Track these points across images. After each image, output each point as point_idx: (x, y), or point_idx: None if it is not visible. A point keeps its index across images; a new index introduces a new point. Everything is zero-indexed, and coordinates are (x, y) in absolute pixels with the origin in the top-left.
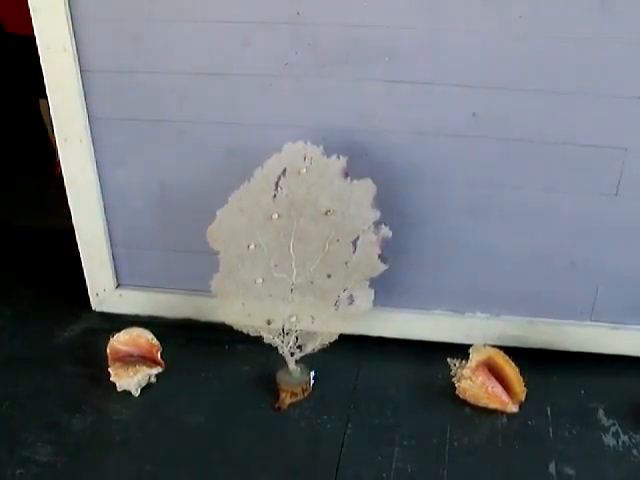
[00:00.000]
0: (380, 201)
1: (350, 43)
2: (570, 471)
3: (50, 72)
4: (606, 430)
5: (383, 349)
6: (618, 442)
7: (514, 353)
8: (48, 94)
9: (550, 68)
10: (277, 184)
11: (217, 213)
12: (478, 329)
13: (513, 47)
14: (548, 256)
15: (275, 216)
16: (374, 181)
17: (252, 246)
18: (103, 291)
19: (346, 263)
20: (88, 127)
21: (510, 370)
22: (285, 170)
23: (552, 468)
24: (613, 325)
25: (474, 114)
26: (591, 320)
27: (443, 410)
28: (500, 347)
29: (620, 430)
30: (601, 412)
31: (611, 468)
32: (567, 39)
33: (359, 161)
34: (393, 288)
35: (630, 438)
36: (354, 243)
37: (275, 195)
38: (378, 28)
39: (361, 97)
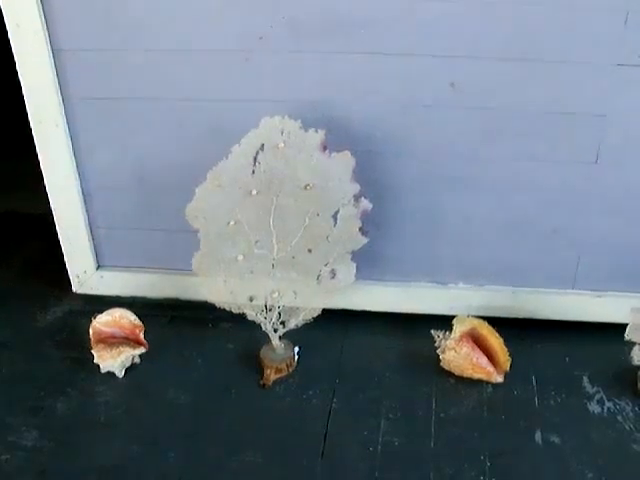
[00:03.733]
0: (360, 174)
1: (326, 15)
2: (556, 439)
3: (20, 52)
4: (591, 397)
5: (367, 323)
6: (603, 409)
7: (498, 323)
8: (20, 75)
9: (528, 36)
10: (255, 159)
11: (196, 191)
12: (461, 300)
13: (490, 16)
14: (529, 225)
15: (254, 192)
16: (353, 154)
17: (232, 223)
18: (84, 273)
19: (327, 237)
20: (63, 108)
21: (494, 340)
22: (263, 145)
23: (538, 436)
24: (596, 293)
25: (452, 84)
26: (574, 288)
27: (428, 382)
28: (484, 318)
29: (604, 397)
30: (585, 379)
31: (596, 435)
32: (545, 6)
33: (337, 134)
34: (375, 261)
35: (615, 404)
36: (334, 217)
37: (253, 171)
38: (354, 0)
39: (338, 70)
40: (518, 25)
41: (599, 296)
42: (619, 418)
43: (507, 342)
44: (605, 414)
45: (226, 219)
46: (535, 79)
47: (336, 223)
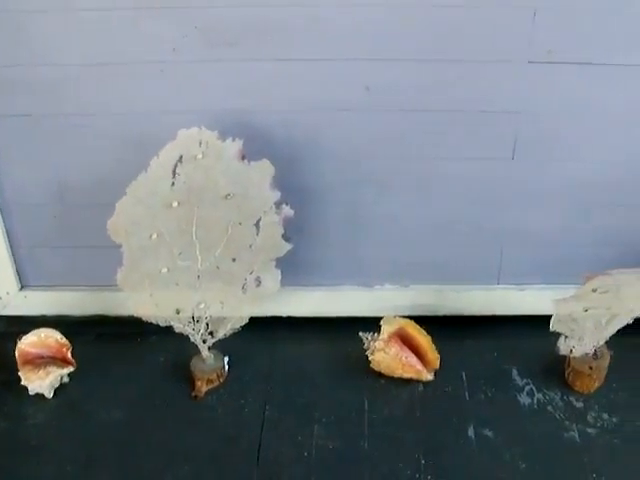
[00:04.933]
0: (280, 180)
1: (238, 24)
2: (488, 433)
3: None
4: (521, 390)
5: (296, 329)
6: (533, 400)
7: (426, 322)
8: None
9: (440, 37)
10: (174, 171)
11: (116, 205)
12: (388, 301)
13: (402, 18)
14: (452, 223)
15: (175, 204)
16: (273, 161)
17: (154, 236)
18: (6, 294)
19: (250, 246)
20: None
21: (422, 339)
22: (181, 157)
23: (471, 431)
24: (520, 286)
25: (367, 87)
26: (498, 283)
27: (359, 384)
28: (411, 317)
29: (534, 388)
30: (515, 372)
31: (528, 426)
32: (455, 7)
33: (256, 142)
34: (301, 267)
35: (544, 395)
36: (257, 225)
37: (173, 183)
38: (265, 7)
39: (253, 78)
40: (430, 27)
41: (523, 289)
42: (549, 408)
43: (435, 340)
44: (535, 405)
45: (148, 232)
46: (450, 79)
47: (259, 231)
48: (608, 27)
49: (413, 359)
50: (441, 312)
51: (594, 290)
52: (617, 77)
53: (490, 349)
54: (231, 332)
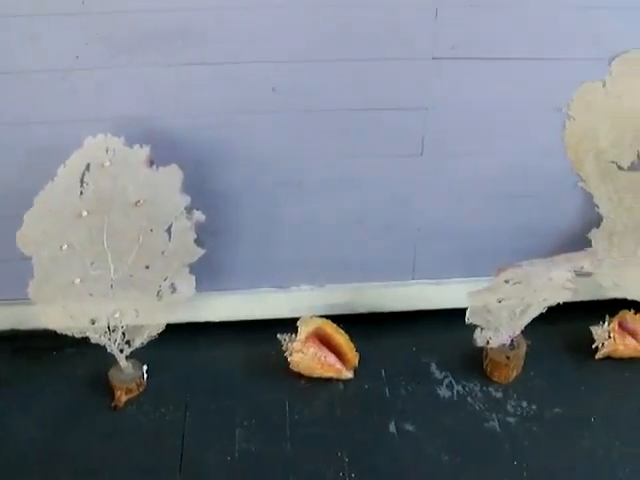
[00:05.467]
0: (190, 185)
1: (141, 29)
2: (410, 427)
3: None
4: (440, 383)
5: (214, 333)
6: (453, 393)
7: (343, 320)
8: None
9: (346, 37)
10: (82, 180)
11: (24, 217)
12: (304, 301)
13: (305, 19)
14: (365, 221)
15: (84, 213)
16: (182, 166)
17: (65, 247)
18: None
19: (163, 252)
20: None
21: (340, 338)
22: (89, 165)
23: (392, 427)
24: (435, 281)
25: (274, 89)
26: (413, 279)
27: (280, 386)
28: (328, 316)
29: (453, 381)
30: (433, 366)
31: (448, 418)
32: (359, 6)
33: (164, 148)
34: (216, 271)
35: (463, 387)
36: (168, 231)
37: (82, 192)
38: (168, 12)
39: (158, 83)
40: (335, 26)
41: (438, 284)
42: (469, 400)
43: (353, 338)
44: (455, 397)
45: (58, 243)
46: (356, 78)
47: (170, 237)
48: (509, 22)
49: (332, 358)
50: (358, 310)
51: (506, 282)
52: (519, 70)
53: (408, 344)
54: (148, 340)
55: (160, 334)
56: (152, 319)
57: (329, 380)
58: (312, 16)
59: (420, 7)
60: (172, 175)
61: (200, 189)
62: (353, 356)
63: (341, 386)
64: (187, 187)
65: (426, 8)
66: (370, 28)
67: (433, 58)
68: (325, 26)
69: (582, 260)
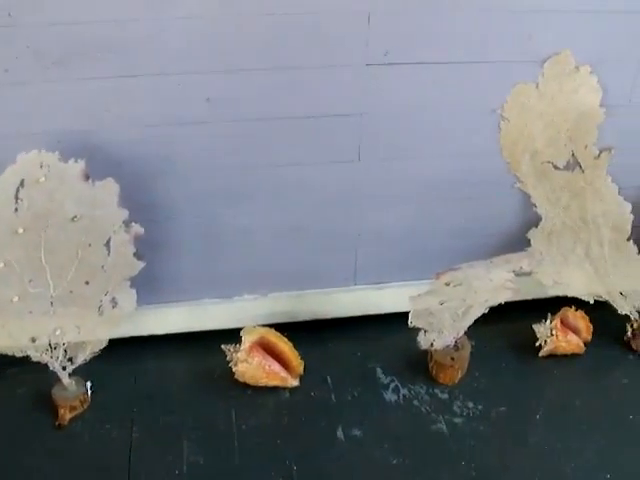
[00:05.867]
0: (128, 198)
1: (72, 42)
2: (357, 432)
3: None
4: (386, 387)
5: (157, 347)
6: (399, 396)
7: (287, 328)
8: None
9: (279, 45)
10: (17, 197)
11: None
12: (248, 311)
13: (238, 28)
14: (305, 228)
15: (20, 230)
16: (119, 179)
17: (1, 265)
18: None
19: (102, 267)
20: None
21: (284, 346)
22: (23, 181)
23: (340, 433)
24: (377, 285)
25: (208, 99)
26: (355, 284)
27: (226, 396)
28: (272, 325)
29: (399, 385)
30: (379, 371)
31: (395, 422)
32: (291, 15)
33: (99, 161)
34: (157, 284)
35: (409, 390)
36: (107, 245)
37: (16, 209)
38: (99, 24)
39: (91, 96)
40: (269, 35)
41: (380, 288)
42: (415, 403)
43: (298, 345)
44: (402, 401)
45: None
46: (290, 86)
47: (110, 251)
48: (442, 27)
49: (277, 367)
50: (301, 317)
51: (447, 284)
52: (453, 74)
53: (353, 350)
54: (91, 356)
55: (103, 349)
56: (94, 335)
57: (275, 389)
58: (245, 25)
59: (353, 14)
60: (108, 189)
61: (138, 202)
62: (298, 364)
63: (287, 394)
64: (125, 200)
65: (358, 15)
66: (304, 36)
67: (366, 65)
68: (258, 35)
69: (521, 260)
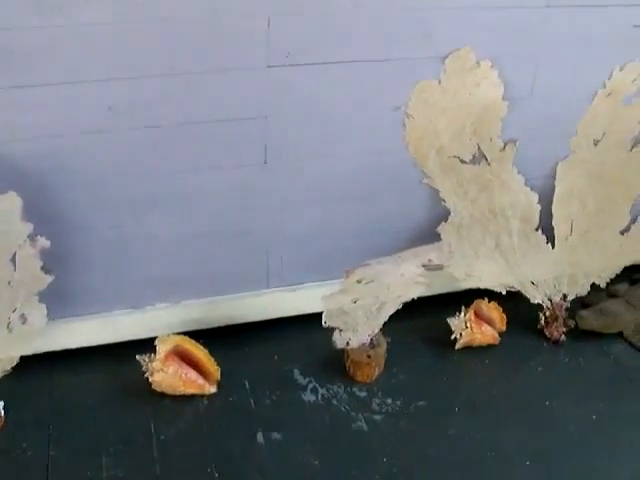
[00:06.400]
0: (33, 211)
1: None
2: (278, 436)
3: None
4: (304, 388)
5: (72, 361)
6: (317, 397)
7: (202, 335)
8: None
9: (180, 50)
10: None
11: None
12: (161, 320)
13: (136, 34)
14: (215, 233)
15: None
16: (22, 192)
17: None
18: None
19: (9, 282)
20: None
21: (199, 353)
22: None
23: (260, 437)
24: (291, 287)
25: (110, 108)
26: (269, 287)
27: (144, 407)
28: (187, 333)
29: (317, 385)
30: (297, 372)
31: (315, 423)
32: (192, 19)
33: (1, 175)
34: (68, 297)
35: (328, 390)
36: (13, 260)
37: None
38: None
39: None
40: (169, 40)
41: (294, 290)
42: (334, 402)
43: (215, 352)
44: (320, 401)
45: None
46: (193, 91)
47: (16, 266)
48: (343, 26)
49: (193, 374)
50: (215, 324)
51: (359, 282)
52: (356, 73)
53: (270, 353)
54: (3, 375)
55: (15, 367)
56: (4, 352)
57: (193, 397)
58: (145, 31)
59: (252, 16)
60: (11, 203)
61: (43, 214)
62: (215, 370)
63: (205, 401)
64: (29, 214)
65: (259, 17)
66: (204, 39)
67: (268, 66)
68: (158, 40)
69: (429, 254)
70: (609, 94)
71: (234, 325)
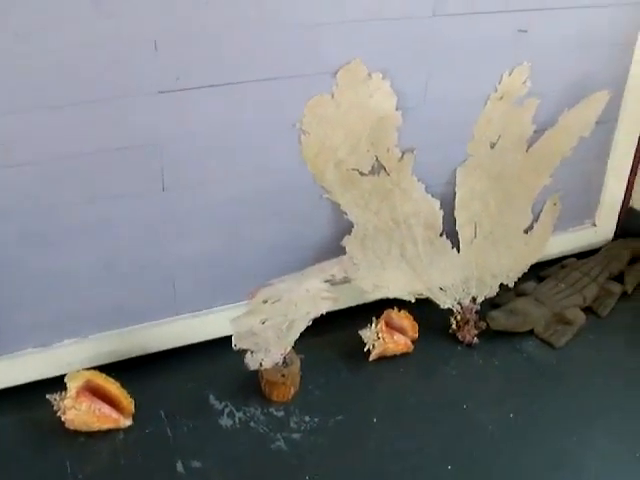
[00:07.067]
0: None
1: None
2: (197, 464)
3: None
4: (221, 413)
5: None
6: (235, 421)
7: (114, 368)
8: None
9: (67, 79)
10: None
11: None
12: (70, 356)
13: (23, 67)
14: (119, 265)
15: None
16: None
17: None
18: None
19: None
20: None
21: (111, 386)
22: None
23: (180, 467)
24: (200, 312)
25: (1, 143)
26: (178, 314)
27: (58, 447)
28: (99, 367)
29: (234, 409)
30: (212, 398)
31: (235, 447)
32: (77, 45)
33: None
34: None
35: (245, 413)
36: None
37: None
38: None
39: None
40: (58, 70)
41: (204, 315)
42: (252, 424)
43: (128, 384)
44: (238, 425)
45: None
46: (86, 120)
47: None
48: (233, 46)
49: (107, 409)
50: (127, 355)
51: (265, 302)
52: (250, 92)
53: (184, 380)
54: None
55: None
56: None
57: (109, 431)
58: (32, 63)
59: (138, 41)
60: None
61: None
62: (128, 403)
63: (122, 435)
64: None
65: (145, 42)
66: (92, 68)
67: (159, 92)
68: (46, 71)
69: (332, 268)
70: (501, 97)
71: (146, 355)
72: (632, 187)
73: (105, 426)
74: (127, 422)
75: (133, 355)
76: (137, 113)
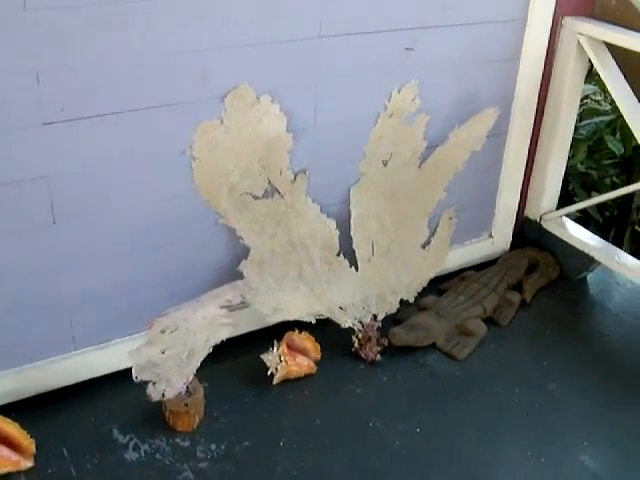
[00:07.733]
0: None
1: None
2: None
3: None
4: (125, 447)
5: None
6: (140, 453)
7: (13, 409)
8: None
9: None
10: None
11: None
12: None
13: None
14: (10, 302)
15: None
16: None
17: None
18: None
19: None
20: None
21: (9, 427)
22: None
23: None
24: (99, 345)
25: None
26: (76, 349)
27: None
28: None
29: (138, 442)
30: (116, 432)
31: None
32: None
33: None
34: None
35: (150, 445)
36: None
37: None
38: None
39: None
40: None
41: (103, 347)
42: (158, 456)
43: (27, 423)
44: (144, 458)
45: None
46: None
47: None
48: (115, 76)
49: (6, 451)
50: (25, 394)
51: (163, 331)
52: (138, 121)
53: (86, 416)
54: None
55: None
56: None
57: (8, 475)
58: None
59: (20, 74)
60: None
61: None
62: (29, 443)
63: (22, 478)
64: None
65: (26, 73)
66: None
67: (44, 124)
68: None
69: (227, 293)
70: (391, 115)
71: (45, 393)
72: (526, 197)
73: (5, 469)
74: (28, 464)
75: (32, 394)
76: (22, 146)
